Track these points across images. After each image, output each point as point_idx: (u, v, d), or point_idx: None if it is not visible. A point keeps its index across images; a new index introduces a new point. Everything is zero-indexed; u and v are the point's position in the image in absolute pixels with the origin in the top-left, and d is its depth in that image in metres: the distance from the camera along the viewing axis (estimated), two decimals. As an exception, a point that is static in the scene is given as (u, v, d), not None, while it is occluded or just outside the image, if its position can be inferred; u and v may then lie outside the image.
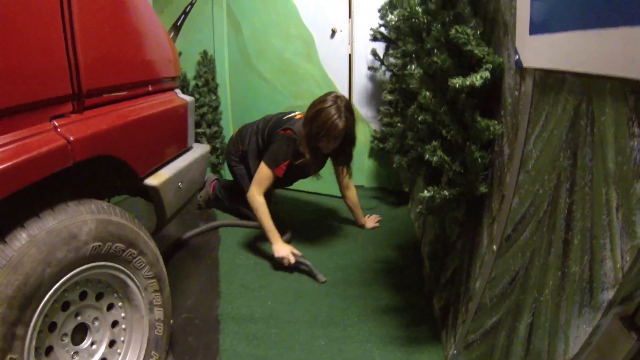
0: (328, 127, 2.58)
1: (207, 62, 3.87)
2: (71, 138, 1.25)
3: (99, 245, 1.35)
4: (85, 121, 1.36)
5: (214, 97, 3.97)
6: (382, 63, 3.53)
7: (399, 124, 3.04)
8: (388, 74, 3.57)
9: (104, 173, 1.67)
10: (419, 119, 1.69)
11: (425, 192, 1.65)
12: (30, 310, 1.16)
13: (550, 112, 1.12)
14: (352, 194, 3.27)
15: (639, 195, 0.76)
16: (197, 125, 3.87)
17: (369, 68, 3.71)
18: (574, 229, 0.97)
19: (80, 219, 1.29)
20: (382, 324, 2.18)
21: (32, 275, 1.15)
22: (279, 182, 2.96)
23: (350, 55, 3.75)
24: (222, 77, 3.99)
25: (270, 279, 2.61)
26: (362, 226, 3.33)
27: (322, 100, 2.65)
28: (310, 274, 2.64)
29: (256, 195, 2.74)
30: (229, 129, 4.12)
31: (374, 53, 3.56)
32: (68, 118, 1.32)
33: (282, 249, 2.66)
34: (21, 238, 1.15)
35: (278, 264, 2.71)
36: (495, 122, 1.46)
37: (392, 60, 3.40)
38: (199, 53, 3.90)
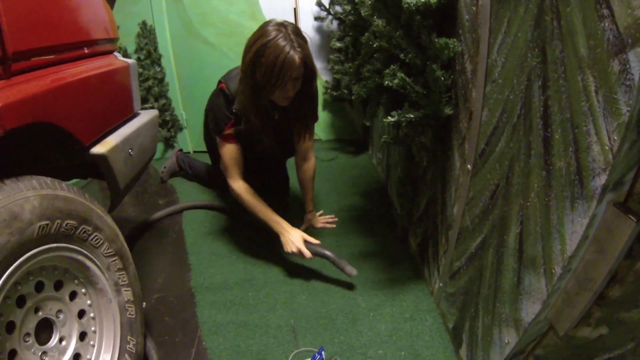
0: (281, 65, 1.80)
1: (147, 34, 3.69)
2: None
3: (47, 225, 1.20)
4: (14, 87, 1.21)
5: (158, 69, 3.81)
6: (329, 12, 3.47)
7: (357, 59, 2.87)
8: (335, 22, 3.52)
9: (48, 150, 1.54)
10: (375, 46, 1.61)
11: (389, 117, 1.58)
12: (-25, 309, 1.02)
13: (512, 17, 1.10)
14: (309, 167, 2.44)
15: (617, 73, 0.74)
16: (144, 100, 3.72)
17: (316, 19, 3.61)
18: (553, 124, 0.94)
19: (20, 196, 1.14)
20: (361, 270, 2.12)
21: (-29, 266, 1.00)
22: (255, 166, 2.43)
23: (295, 9, 3.65)
24: (165, 48, 3.81)
25: (240, 243, 2.52)
26: (307, 220, 2.50)
27: (260, 34, 1.85)
28: (337, 267, 2.08)
29: (232, 183, 2.22)
30: (178, 100, 3.99)
31: (319, 4, 3.49)
32: None
33: (292, 241, 2.11)
34: (-48, 225, 1.00)
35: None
36: (454, 40, 1.42)
37: (338, 8, 3.36)
38: (138, 24, 3.70)
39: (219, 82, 2.18)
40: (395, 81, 1.49)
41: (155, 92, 3.80)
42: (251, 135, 2.12)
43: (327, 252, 2.09)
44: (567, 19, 0.87)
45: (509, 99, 1.13)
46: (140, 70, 3.71)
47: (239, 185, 2.21)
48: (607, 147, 0.77)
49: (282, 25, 1.85)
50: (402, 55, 1.51)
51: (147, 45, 3.71)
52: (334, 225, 2.43)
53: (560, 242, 0.92)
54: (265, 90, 1.92)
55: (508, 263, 1.17)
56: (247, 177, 2.26)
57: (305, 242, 2.11)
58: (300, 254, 2.07)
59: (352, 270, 1.99)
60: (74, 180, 2.40)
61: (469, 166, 1.39)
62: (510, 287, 1.15)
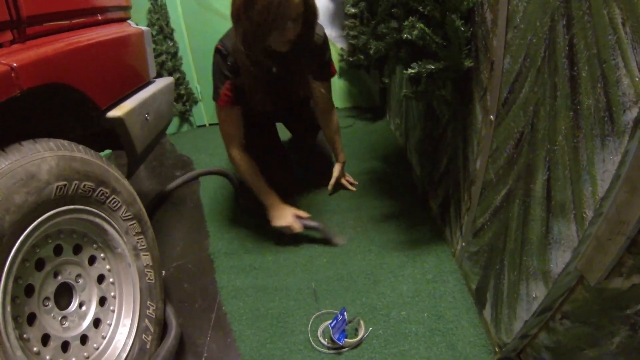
0: (278, 3, 1.64)
1: (158, 9, 3.66)
2: (14, 64, 1.09)
3: (64, 185, 1.19)
4: (29, 49, 1.21)
5: (171, 44, 3.78)
6: (343, -23, 3.38)
7: (373, 23, 2.71)
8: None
9: (65, 117, 1.55)
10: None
11: (409, 69, 1.54)
12: (-7, 271, 1.01)
13: None
14: (331, 121, 2.39)
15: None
16: (158, 75, 3.69)
17: (330, -16, 3.54)
18: (580, 62, 0.89)
19: (37, 157, 1.13)
20: (382, 231, 2.11)
21: (-13, 226, 0.99)
22: (256, 128, 2.37)
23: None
24: (177, 22, 3.78)
25: (256, 208, 2.45)
26: (336, 170, 2.48)
27: None
28: (326, 238, 2.10)
29: (230, 151, 2.13)
30: (192, 74, 3.97)
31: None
32: (8, 48, 1.17)
33: (281, 215, 2.08)
34: (-34, 185, 0.99)
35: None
36: (473, -10, 1.38)
37: None
38: (149, 0, 3.68)
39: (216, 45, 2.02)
40: (415, 32, 1.45)
41: (169, 67, 3.79)
42: (247, 93, 1.98)
43: (317, 224, 2.08)
44: (592, -46, 0.82)
45: (532, 43, 1.09)
46: (153, 45, 3.68)
47: (236, 153, 2.12)
48: (637, 79, 0.73)
49: None
50: (420, 8, 1.47)
51: (159, 21, 3.68)
52: (354, 189, 2.49)
53: (591, 183, 0.88)
54: (261, 34, 1.74)
55: (535, 212, 1.13)
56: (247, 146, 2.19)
57: (296, 216, 2.09)
58: (290, 229, 2.05)
59: (342, 240, 2.06)
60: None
61: (491, 117, 1.34)
62: (538, 237, 1.12)
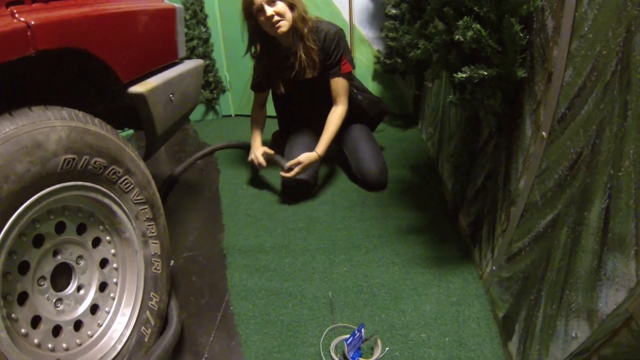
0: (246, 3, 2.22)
1: (193, -7, 3.65)
2: (32, 22, 1.03)
3: (73, 159, 1.11)
4: (50, 10, 1.14)
5: (204, 29, 3.78)
6: (386, -23, 3.30)
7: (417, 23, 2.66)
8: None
9: (85, 87, 1.49)
10: (447, -3, 1.48)
11: (460, 73, 1.44)
12: (-16, 242, 0.93)
13: None
14: (334, 111, 2.48)
15: None
16: (187, 58, 3.69)
17: (370, -16, 3.46)
18: None
19: (47, 125, 1.05)
20: (407, 245, 2.02)
21: (-17, 191, 0.91)
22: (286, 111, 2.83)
23: (349, -26, 3.53)
24: (211, 8, 3.77)
25: (279, 206, 2.44)
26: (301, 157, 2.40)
27: None
28: (278, 165, 2.42)
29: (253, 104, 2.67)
30: (222, 62, 3.95)
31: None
32: (29, 6, 1.10)
33: (252, 153, 2.49)
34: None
35: (286, 193, 2.48)
36: (535, -7, 1.29)
37: None
38: (185, -17, 3.67)
39: None
40: (470, 33, 1.35)
41: (199, 53, 3.80)
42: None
43: (281, 159, 2.42)
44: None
45: (601, 55, 0.98)
46: (185, 30, 3.69)
47: (254, 104, 2.65)
48: None
49: None
50: (476, 8, 1.37)
51: (194, 5, 3.70)
52: (288, 176, 2.40)
53: (659, 218, 0.77)
54: (255, 20, 2.26)
55: (587, 244, 1.01)
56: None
57: (265, 153, 2.46)
58: (255, 161, 2.45)
59: (305, 175, 2.38)
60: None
61: (543, 133, 1.24)
62: (587, 271, 1.00)
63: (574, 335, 1.05)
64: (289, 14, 2.22)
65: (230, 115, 4.12)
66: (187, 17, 3.69)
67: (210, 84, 3.92)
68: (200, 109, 4.03)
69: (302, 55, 2.36)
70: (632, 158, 0.86)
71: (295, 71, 2.43)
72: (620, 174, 0.90)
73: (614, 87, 0.93)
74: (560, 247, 1.14)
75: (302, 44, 2.34)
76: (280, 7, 2.18)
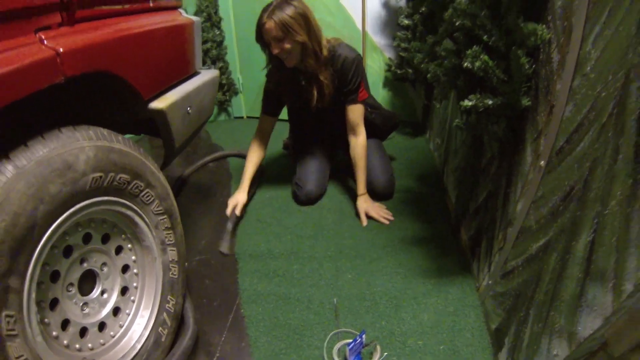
0: (259, 26, 2.16)
1: (208, -5, 3.70)
2: (60, 50, 1.07)
3: (100, 177, 1.19)
4: (76, 34, 1.18)
5: (218, 32, 3.82)
6: (400, -13, 3.32)
7: (428, 38, 2.66)
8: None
9: (106, 103, 1.54)
10: (457, 23, 1.53)
11: (467, 101, 1.51)
12: (24, 257, 1.00)
13: (614, 7, 0.99)
14: (357, 144, 2.44)
15: None
16: (202, 62, 3.72)
17: (385, -7, 3.48)
18: None
19: (76, 146, 1.12)
20: (409, 255, 2.08)
21: (22, 214, 0.98)
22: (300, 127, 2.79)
23: (364, -17, 3.56)
24: (226, 11, 3.82)
25: (289, 212, 2.50)
26: (359, 205, 2.44)
27: None
28: (220, 236, 2.25)
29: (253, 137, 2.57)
30: (236, 65, 4.00)
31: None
32: (56, 30, 1.14)
33: (236, 195, 2.39)
34: (6, 171, 0.98)
35: (294, 199, 2.59)
36: (543, 26, 1.32)
37: None
38: (200, -14, 3.72)
39: None
40: (477, 63, 1.41)
41: (213, 55, 3.83)
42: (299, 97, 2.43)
43: (230, 224, 2.29)
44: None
45: (600, 96, 1.04)
46: (199, 32, 3.71)
47: (257, 132, 2.55)
48: None
49: None
50: (485, 37, 1.43)
51: (208, 8, 3.73)
52: (388, 222, 2.37)
53: (637, 258, 0.84)
54: (263, 47, 2.26)
55: (572, 272, 1.09)
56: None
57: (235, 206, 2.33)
58: (233, 208, 2.32)
59: (225, 249, 2.16)
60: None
61: (542, 163, 1.30)
62: (571, 297, 1.08)
63: (555, 353, 1.12)
64: (297, 52, 2.18)
65: (242, 117, 4.17)
66: (202, 20, 3.73)
67: (223, 86, 3.97)
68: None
69: (314, 91, 2.33)
70: (619, 199, 0.92)
71: (305, 98, 2.40)
72: (606, 211, 0.97)
73: (609, 129, 0.99)
74: (549, 271, 1.21)
75: (316, 79, 2.31)
76: (288, 46, 2.14)
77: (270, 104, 2.51)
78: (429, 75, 1.87)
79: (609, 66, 1.01)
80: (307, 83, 2.34)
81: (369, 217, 2.39)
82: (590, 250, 1.02)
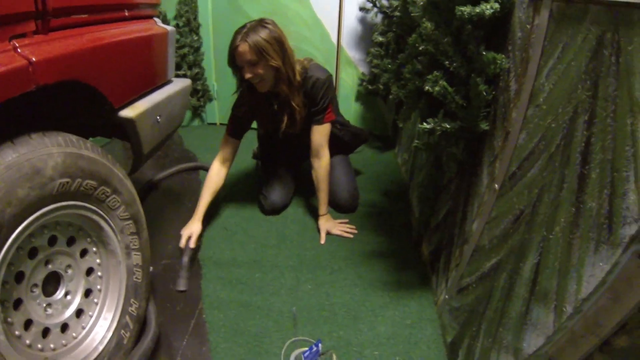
0: (231, 49, 2.10)
1: (188, 1, 3.69)
2: (33, 59, 1.09)
3: (67, 182, 1.21)
4: (50, 42, 1.20)
5: (196, 38, 3.81)
6: (375, 5, 3.38)
7: (398, 59, 2.72)
8: (380, 16, 3.43)
9: (76, 108, 1.54)
10: (420, 48, 1.58)
11: (425, 124, 1.56)
12: (-11, 258, 1.03)
13: (568, 43, 1.05)
14: (319, 166, 2.42)
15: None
16: (178, 66, 3.72)
17: (361, 9, 3.51)
18: (592, 162, 0.90)
19: (45, 152, 1.14)
20: (370, 268, 2.13)
21: (-11, 216, 1.01)
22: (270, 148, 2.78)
23: (341, -3, 3.61)
24: (205, 17, 3.82)
25: (254, 222, 2.53)
26: (320, 225, 2.46)
27: None
28: (176, 275, 2.05)
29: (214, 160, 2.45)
30: (211, 71, 4.00)
31: (366, -5, 3.42)
32: (30, 38, 1.15)
33: (190, 225, 2.26)
34: (-25, 175, 1.00)
35: (260, 209, 2.62)
36: (502, 55, 1.38)
37: (384, 1, 3.30)
38: (180, -9, 3.72)
39: None
40: (437, 88, 1.46)
41: (190, 60, 3.82)
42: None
43: (185, 259, 2.08)
44: (627, 57, 0.82)
45: (550, 127, 1.09)
46: (178, 37, 3.73)
47: (218, 156, 2.42)
48: (644, 198, 0.74)
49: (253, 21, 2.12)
50: (446, 63, 1.48)
51: (188, 13, 3.72)
52: (351, 236, 2.42)
53: (576, 282, 0.90)
54: (234, 71, 2.21)
55: (519, 291, 1.15)
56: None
57: (188, 238, 2.18)
58: (187, 240, 2.16)
59: (181, 286, 2.00)
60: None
61: (496, 186, 1.36)
62: (517, 315, 1.14)
63: (504, 368, 1.18)
64: (269, 77, 2.14)
65: (215, 124, 4.18)
66: (181, 24, 3.73)
67: (198, 92, 3.97)
68: (186, 115, 4.05)
69: (285, 117, 2.32)
70: (562, 226, 0.98)
71: (277, 122, 2.36)
72: (551, 236, 1.02)
73: (557, 160, 1.04)
74: (499, 290, 1.27)
75: (288, 105, 2.28)
76: (261, 71, 2.10)
77: (237, 128, 2.43)
78: (390, 97, 1.91)
79: (560, 99, 1.06)
80: (279, 108, 2.32)
81: (331, 234, 2.42)
82: (536, 272, 1.08)
